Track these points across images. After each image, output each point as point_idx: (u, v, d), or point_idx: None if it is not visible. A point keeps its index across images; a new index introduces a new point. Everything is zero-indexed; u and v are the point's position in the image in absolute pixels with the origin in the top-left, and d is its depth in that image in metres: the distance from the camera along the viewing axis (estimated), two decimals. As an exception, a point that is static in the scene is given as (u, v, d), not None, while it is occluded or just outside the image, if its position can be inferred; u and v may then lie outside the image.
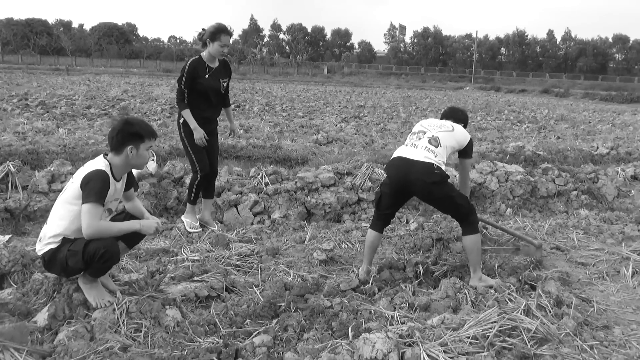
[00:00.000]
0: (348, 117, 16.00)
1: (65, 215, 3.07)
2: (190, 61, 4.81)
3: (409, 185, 3.71)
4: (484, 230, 4.91)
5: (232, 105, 18.06)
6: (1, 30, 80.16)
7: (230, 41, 4.89)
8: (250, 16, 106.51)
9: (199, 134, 4.76)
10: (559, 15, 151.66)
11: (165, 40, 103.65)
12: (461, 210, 3.80)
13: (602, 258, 4.59)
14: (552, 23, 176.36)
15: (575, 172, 6.75)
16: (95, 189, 2.95)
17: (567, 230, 5.39)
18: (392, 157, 3.87)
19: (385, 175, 4.20)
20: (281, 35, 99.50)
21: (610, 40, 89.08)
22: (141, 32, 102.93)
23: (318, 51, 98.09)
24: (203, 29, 4.85)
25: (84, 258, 2.95)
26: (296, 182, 5.71)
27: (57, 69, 48.48)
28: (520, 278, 3.88)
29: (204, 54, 4.83)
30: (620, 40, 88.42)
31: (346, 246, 4.72)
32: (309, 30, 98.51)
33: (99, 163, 3.12)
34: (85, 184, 2.98)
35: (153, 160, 5.60)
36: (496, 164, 6.53)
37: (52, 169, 5.38)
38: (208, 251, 4.33)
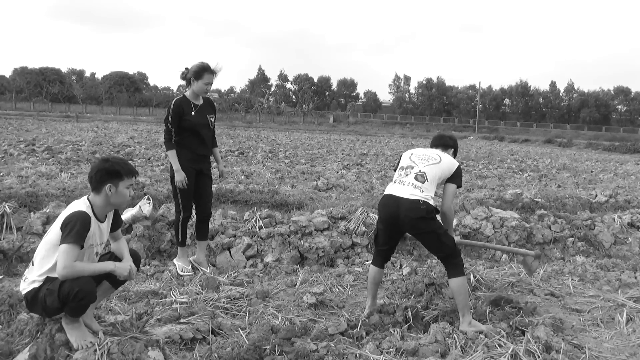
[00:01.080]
0: (350, 164, 16.13)
1: (48, 256, 3.09)
2: (174, 100, 4.91)
3: (398, 221, 3.80)
4: (477, 276, 4.87)
5: (236, 152, 18.35)
6: (15, 78, 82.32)
7: (214, 79, 4.96)
8: (259, 66, 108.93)
9: (180, 176, 4.80)
10: (561, 67, 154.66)
11: (175, 89, 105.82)
12: (444, 249, 3.83)
13: (597, 305, 4.53)
14: (554, 75, 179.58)
15: (572, 219, 6.74)
16: (73, 230, 2.97)
17: (562, 277, 5.34)
18: (383, 194, 4.00)
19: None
20: (288, 85, 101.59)
21: (612, 92, 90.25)
22: (151, 81, 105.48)
23: (324, 100, 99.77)
24: (186, 68, 4.96)
25: (59, 297, 2.95)
26: (290, 225, 5.72)
27: (67, 116, 49.44)
28: (511, 323, 3.82)
29: (188, 93, 4.95)
30: (622, 92, 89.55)
31: (337, 290, 4.68)
32: (315, 80, 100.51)
33: (81, 204, 3.16)
34: (65, 225, 3.01)
35: (149, 203, 5.65)
36: (491, 209, 6.54)
37: (47, 210, 5.44)
38: (197, 293, 4.31)
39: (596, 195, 9.26)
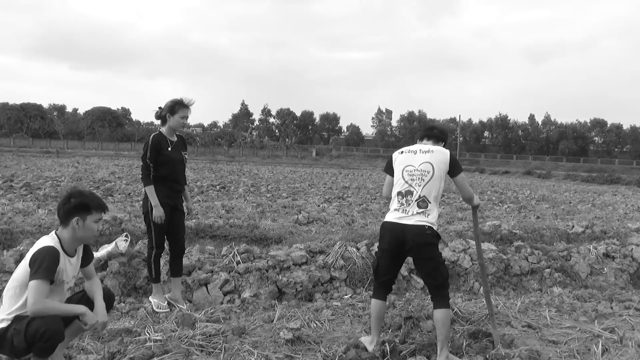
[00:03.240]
0: (331, 197, 16.17)
1: (16, 294, 3.04)
2: (152, 136, 4.96)
3: (404, 245, 3.81)
4: (455, 308, 4.88)
5: (218, 186, 18.30)
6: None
7: (189, 114, 5.05)
8: (242, 101, 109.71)
9: (158, 212, 4.80)
10: (538, 100, 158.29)
11: (158, 124, 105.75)
12: (439, 278, 3.86)
13: (574, 336, 4.56)
14: (533, 107, 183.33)
15: (548, 250, 6.81)
16: (42, 265, 2.94)
17: (540, 308, 5.36)
18: (386, 221, 3.95)
19: (378, 243, 4.19)
20: (271, 120, 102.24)
21: (589, 124, 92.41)
22: (134, 116, 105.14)
23: (307, 134, 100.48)
24: (160, 107, 5.05)
25: (26, 337, 2.89)
26: (268, 260, 5.70)
27: (47, 152, 49.05)
28: (487, 357, 3.83)
29: (164, 129, 5.01)
30: (599, 124, 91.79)
31: (315, 325, 4.64)
32: (298, 114, 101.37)
33: (49, 239, 3.13)
34: (34, 261, 2.97)
35: (126, 240, 5.59)
36: (468, 241, 6.59)
37: (21, 248, 5.36)
38: (172, 331, 4.23)
39: (573, 226, 9.40)
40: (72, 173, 22.02)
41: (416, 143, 4.21)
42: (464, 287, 6.11)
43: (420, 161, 3.92)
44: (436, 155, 3.94)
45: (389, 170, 4.11)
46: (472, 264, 6.23)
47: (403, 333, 4.31)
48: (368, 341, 4.00)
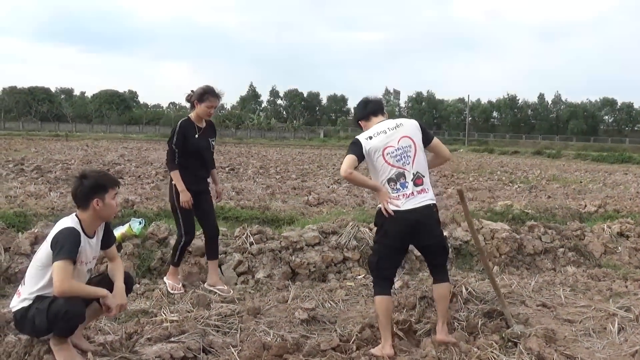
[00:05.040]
0: (341, 179, 16.13)
1: (37, 275, 3.08)
2: (180, 122, 4.93)
3: (413, 233, 3.63)
4: (469, 288, 4.87)
5: (227, 168, 18.31)
6: (4, 98, 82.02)
7: (219, 103, 4.99)
8: (250, 83, 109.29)
9: (185, 196, 4.77)
10: (548, 79, 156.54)
11: (165, 106, 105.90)
12: (445, 255, 3.89)
13: (589, 315, 4.54)
14: (542, 87, 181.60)
15: (561, 230, 6.77)
16: (65, 246, 2.96)
17: (554, 288, 5.35)
18: (386, 211, 3.58)
19: (376, 237, 3.89)
20: (278, 101, 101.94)
21: (599, 103, 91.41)
22: (142, 99, 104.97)
23: (314, 116, 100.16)
24: (192, 91, 4.99)
25: (47, 317, 2.93)
26: (281, 241, 5.71)
27: (56, 135, 49.19)
28: (503, 335, 3.82)
29: (192, 115, 4.96)
30: (609, 103, 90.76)
31: (329, 305, 4.66)
32: (305, 95, 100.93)
33: (69, 221, 3.15)
34: (55, 242, 3.00)
35: (140, 222, 5.61)
36: (482, 221, 6.56)
37: (35, 230, 5.38)
38: (188, 311, 4.26)
39: (585, 206, 9.33)
40: (81, 156, 22.09)
41: (371, 123, 3.81)
42: (477, 267, 6.09)
43: (396, 138, 3.63)
44: (407, 127, 3.71)
45: (358, 154, 3.62)
46: (485, 243, 6.21)
47: (418, 312, 4.31)
48: (379, 350, 3.55)
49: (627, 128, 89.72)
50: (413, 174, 3.62)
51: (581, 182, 18.42)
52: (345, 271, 5.66)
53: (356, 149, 3.64)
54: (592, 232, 6.82)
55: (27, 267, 4.63)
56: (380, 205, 3.73)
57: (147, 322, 3.98)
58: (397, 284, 5.12)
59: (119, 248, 5.33)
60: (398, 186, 3.61)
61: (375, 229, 4.04)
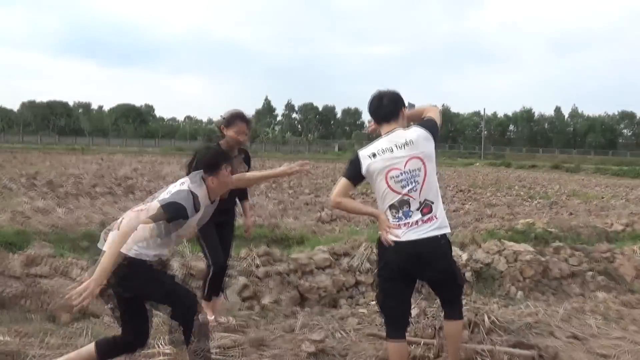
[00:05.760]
0: (354, 194, 15.79)
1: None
2: (205, 147, 4.52)
3: (417, 267, 3.12)
4: (492, 317, 4.49)
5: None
6: (23, 112, 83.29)
7: (248, 129, 4.46)
8: (265, 97, 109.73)
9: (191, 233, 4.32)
10: (564, 92, 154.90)
11: (181, 120, 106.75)
12: (457, 291, 3.39)
13: (625, 348, 4.13)
14: (559, 100, 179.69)
15: (590, 251, 6.35)
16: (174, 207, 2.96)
17: (584, 316, 4.94)
18: (386, 242, 3.11)
19: (377, 271, 3.35)
20: (293, 115, 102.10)
21: (617, 116, 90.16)
22: (158, 113, 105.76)
23: (329, 129, 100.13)
24: (222, 117, 4.51)
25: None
26: (289, 264, 5.38)
27: (73, 149, 49.55)
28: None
29: (222, 143, 4.46)
30: (628, 116, 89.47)
31: (340, 335, 4.30)
32: (320, 109, 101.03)
33: (185, 183, 3.22)
34: (164, 203, 2.98)
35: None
36: (504, 242, 6.17)
37: (32, 252, 5.12)
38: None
39: (612, 224, 8.89)
40: (94, 170, 22.04)
41: (381, 134, 3.28)
42: (499, 292, 5.70)
43: (403, 160, 3.08)
44: (418, 143, 3.12)
45: (354, 176, 3.20)
46: (508, 266, 5.82)
47: (437, 346, 3.94)
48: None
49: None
50: (420, 202, 3.09)
51: (603, 197, 17.92)
52: (358, 296, 5.32)
53: (352, 169, 3.19)
54: (622, 254, 6.38)
55: (22, 291, 4.37)
56: (380, 233, 3.24)
57: (139, 355, 3.66)
58: (414, 311, 4.75)
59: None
60: (400, 214, 3.10)
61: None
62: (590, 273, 6.00)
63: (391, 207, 3.12)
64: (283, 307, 4.97)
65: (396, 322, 3.25)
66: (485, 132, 79.43)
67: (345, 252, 5.74)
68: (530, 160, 56.99)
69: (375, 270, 3.49)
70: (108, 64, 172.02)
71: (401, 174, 3.08)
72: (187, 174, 4.45)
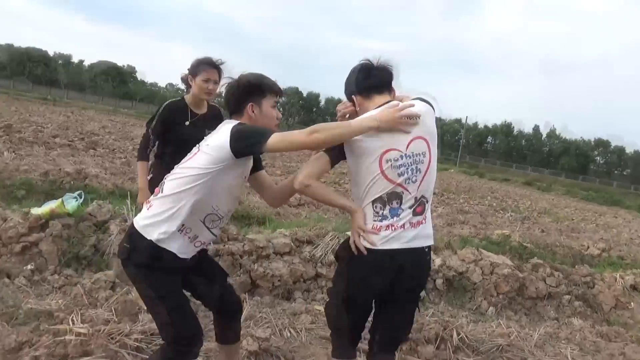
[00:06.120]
0: (327, 181, 15.23)
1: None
2: (167, 102, 3.78)
3: (392, 281, 2.41)
4: (460, 333, 4.00)
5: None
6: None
7: (220, 77, 3.64)
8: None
9: (142, 197, 3.62)
10: (545, 112, 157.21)
11: (163, 85, 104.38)
12: (408, 328, 2.67)
13: (603, 387, 3.69)
14: (538, 119, 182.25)
15: (569, 273, 5.91)
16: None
17: (559, 344, 4.50)
18: (369, 250, 2.36)
19: (341, 286, 2.54)
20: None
21: (592, 143, 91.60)
22: (140, 76, 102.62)
23: (311, 116, 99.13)
24: (188, 69, 3.77)
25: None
26: (244, 244, 4.77)
27: (45, 99, 47.61)
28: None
29: (188, 97, 3.77)
30: (602, 144, 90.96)
31: (289, 334, 3.75)
32: (304, 94, 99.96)
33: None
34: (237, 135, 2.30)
35: (76, 199, 4.63)
36: (481, 252, 5.68)
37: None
38: (107, 321, 3.31)
39: (588, 247, 8.52)
40: (61, 121, 21.00)
41: (371, 103, 2.52)
42: (469, 305, 5.21)
43: (406, 139, 2.36)
44: (425, 118, 2.42)
45: (337, 154, 2.46)
46: (483, 278, 5.33)
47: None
48: None
49: (616, 171, 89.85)
50: (415, 198, 2.39)
51: (573, 219, 17.84)
52: (316, 290, 4.76)
53: (337, 145, 2.40)
54: (602, 280, 5.96)
55: None
56: (349, 234, 2.52)
57: (45, 331, 3.04)
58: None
59: (45, 227, 4.35)
60: (385, 212, 2.36)
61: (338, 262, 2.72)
62: (567, 297, 5.56)
63: (376, 201, 2.37)
64: (230, 292, 4.37)
65: (349, 340, 2.59)
66: (464, 141, 79.71)
67: (309, 239, 5.14)
68: (503, 174, 57.24)
69: (334, 278, 2.68)
70: (96, 20, 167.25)
71: (401, 157, 2.34)
72: (146, 130, 3.83)
